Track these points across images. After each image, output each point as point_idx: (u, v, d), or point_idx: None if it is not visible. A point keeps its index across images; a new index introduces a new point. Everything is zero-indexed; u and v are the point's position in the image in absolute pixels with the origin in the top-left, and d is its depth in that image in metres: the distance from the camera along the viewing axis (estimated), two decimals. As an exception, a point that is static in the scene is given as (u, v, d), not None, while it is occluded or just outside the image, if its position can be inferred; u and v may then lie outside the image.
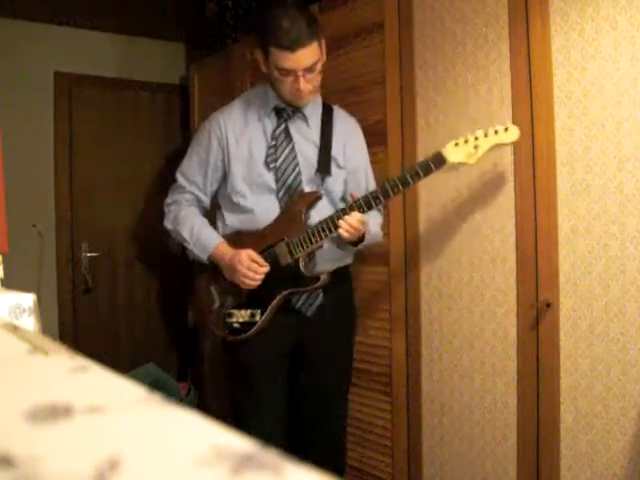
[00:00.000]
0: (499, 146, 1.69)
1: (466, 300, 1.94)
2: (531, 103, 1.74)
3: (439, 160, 1.67)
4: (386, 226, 2.11)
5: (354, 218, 1.69)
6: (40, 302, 0.94)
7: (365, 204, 1.70)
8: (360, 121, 2.06)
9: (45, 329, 1.01)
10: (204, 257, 1.88)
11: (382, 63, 2.18)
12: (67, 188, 3.48)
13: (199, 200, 1.96)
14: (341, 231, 1.70)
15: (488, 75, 1.86)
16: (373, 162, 2.04)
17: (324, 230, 1.73)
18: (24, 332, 0.62)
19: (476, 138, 1.66)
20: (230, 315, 1.84)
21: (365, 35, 2.24)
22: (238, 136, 1.87)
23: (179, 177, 1.98)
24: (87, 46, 3.49)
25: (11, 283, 1.07)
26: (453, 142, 1.67)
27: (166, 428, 0.33)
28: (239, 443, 0.30)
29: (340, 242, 1.84)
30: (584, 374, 1.64)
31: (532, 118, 1.74)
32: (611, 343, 1.58)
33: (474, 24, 1.89)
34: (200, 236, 1.88)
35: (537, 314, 1.74)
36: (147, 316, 3.70)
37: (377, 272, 2.23)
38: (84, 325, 3.52)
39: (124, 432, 0.32)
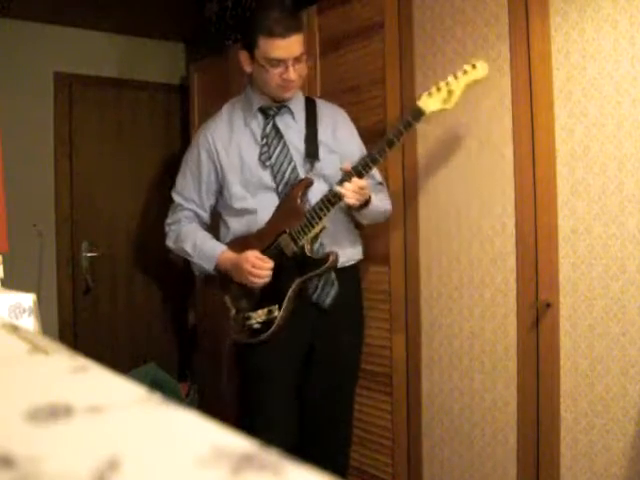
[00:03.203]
0: (473, 84, 1.70)
1: (466, 300, 1.94)
2: (531, 103, 1.74)
3: (416, 113, 1.70)
4: (386, 226, 2.12)
5: (354, 183, 1.70)
6: (40, 302, 0.94)
7: (356, 173, 1.71)
8: (360, 121, 2.06)
9: (45, 329, 1.00)
10: (210, 267, 1.89)
11: (382, 63, 2.18)
12: (67, 188, 3.48)
13: (198, 216, 1.99)
14: (347, 199, 1.70)
15: (488, 75, 1.85)
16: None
17: (322, 209, 1.75)
18: (24, 332, 0.62)
19: (447, 83, 1.69)
20: (248, 318, 1.84)
21: (365, 35, 2.24)
22: (227, 146, 1.90)
23: (175, 196, 2.01)
24: (87, 46, 3.50)
25: (11, 283, 1.07)
26: (426, 93, 1.71)
27: (166, 428, 0.33)
28: (239, 443, 0.30)
29: (347, 212, 1.85)
30: (584, 374, 1.64)
31: (532, 118, 1.74)
32: (611, 343, 1.58)
33: (474, 24, 1.89)
34: (203, 248, 1.90)
35: (537, 314, 1.74)
36: (147, 316, 3.70)
37: (377, 272, 2.23)
38: (84, 325, 3.52)
39: (124, 432, 0.32)
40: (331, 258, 1.78)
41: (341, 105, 2.06)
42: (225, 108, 1.99)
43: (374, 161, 1.72)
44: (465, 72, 1.68)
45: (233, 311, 1.90)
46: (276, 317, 1.82)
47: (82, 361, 0.46)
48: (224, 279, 1.89)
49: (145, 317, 3.69)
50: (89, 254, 3.53)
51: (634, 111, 1.53)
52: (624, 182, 1.55)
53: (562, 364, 1.69)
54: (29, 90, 3.33)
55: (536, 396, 1.75)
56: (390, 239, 2.15)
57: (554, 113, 1.69)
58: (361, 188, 1.71)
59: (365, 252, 2.09)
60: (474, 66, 1.68)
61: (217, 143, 1.90)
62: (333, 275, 1.87)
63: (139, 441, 0.30)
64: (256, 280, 1.79)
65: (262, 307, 1.83)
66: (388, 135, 1.72)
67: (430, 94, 1.69)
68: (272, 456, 0.28)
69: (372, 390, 2.26)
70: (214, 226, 2.05)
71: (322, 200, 1.75)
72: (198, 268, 1.95)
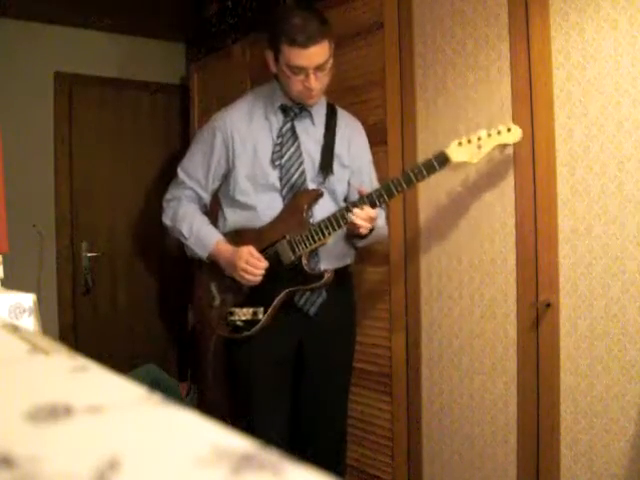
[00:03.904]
0: (502, 146, 1.71)
1: (466, 300, 1.94)
2: (531, 103, 1.74)
3: (443, 159, 1.69)
4: (387, 225, 2.12)
5: (366, 212, 1.70)
6: (40, 302, 0.94)
7: (370, 203, 1.71)
8: (360, 121, 2.06)
9: (45, 329, 1.00)
10: (204, 255, 1.87)
11: (382, 63, 2.18)
12: (67, 188, 3.48)
13: (199, 197, 1.95)
14: (360, 230, 1.70)
15: (488, 75, 1.86)
16: (373, 162, 2.04)
17: (327, 227, 1.73)
18: (24, 332, 0.62)
19: (479, 138, 1.68)
20: (232, 313, 1.82)
21: (365, 35, 2.24)
22: (243, 134, 1.87)
23: (180, 172, 1.96)
24: (87, 46, 3.50)
25: (11, 283, 1.07)
26: (457, 142, 1.69)
27: (166, 428, 0.33)
28: (239, 443, 0.30)
29: (347, 236, 1.85)
30: (584, 374, 1.64)
31: (532, 118, 1.74)
32: (611, 343, 1.58)
33: (474, 24, 1.89)
34: (200, 233, 1.87)
35: (537, 314, 1.74)
36: (147, 316, 3.70)
37: (377, 272, 2.23)
38: (84, 325, 3.52)
39: (124, 432, 0.32)
40: (326, 276, 1.78)
41: (341, 105, 2.06)
42: (247, 96, 1.96)
43: (389, 194, 1.71)
44: (499, 133, 1.68)
45: (217, 301, 1.88)
46: (260, 320, 1.80)
47: (82, 361, 0.46)
48: (216, 267, 1.87)
49: (145, 317, 3.69)
50: (89, 254, 3.53)
51: (634, 111, 1.53)
52: (624, 182, 1.55)
53: (562, 364, 1.69)
54: (29, 90, 3.33)
55: (536, 396, 1.75)
56: (390, 239, 2.15)
57: (554, 113, 1.69)
58: (371, 218, 1.71)
59: (365, 252, 2.09)
60: (509, 130, 1.68)
61: (234, 129, 1.87)
62: None
63: (139, 441, 0.30)
64: (248, 277, 1.77)
65: (247, 306, 1.81)
66: (408, 172, 1.70)
67: (460, 144, 1.69)
68: (272, 456, 0.28)
69: (372, 390, 2.26)
70: (212, 212, 2.01)
71: (329, 219, 1.74)
72: (191, 252, 1.91)
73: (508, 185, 1.82)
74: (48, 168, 3.43)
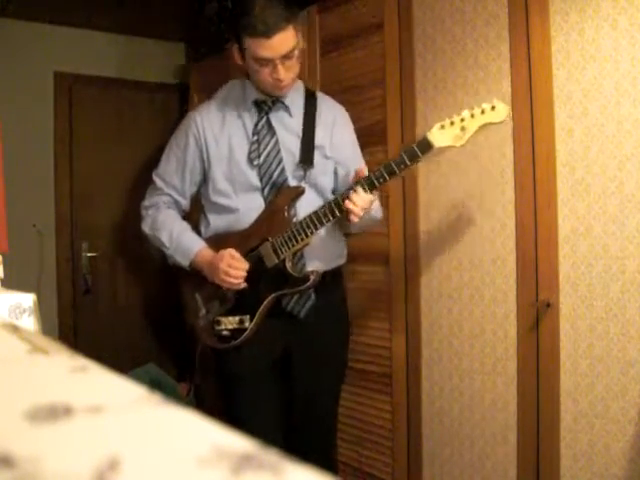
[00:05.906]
0: (488, 126, 1.58)
1: (466, 300, 1.94)
2: (531, 103, 1.74)
3: (425, 146, 1.57)
4: (386, 226, 2.11)
5: (362, 199, 1.59)
6: (40, 302, 0.94)
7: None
8: (360, 121, 2.06)
9: (45, 329, 1.00)
10: (185, 263, 1.80)
11: (382, 63, 2.18)
12: (67, 188, 3.48)
13: (177, 203, 1.89)
14: (352, 217, 1.60)
15: (488, 75, 1.86)
16: (373, 162, 2.03)
17: (309, 227, 1.66)
18: (24, 332, 0.62)
19: (462, 119, 1.55)
20: (218, 323, 1.76)
21: (365, 35, 2.24)
22: (217, 134, 1.80)
23: (156, 179, 1.89)
24: (87, 46, 3.50)
25: (11, 283, 1.07)
26: (439, 125, 1.57)
27: (166, 428, 0.33)
28: (239, 443, 0.30)
29: (340, 225, 1.78)
30: (584, 374, 1.64)
31: (532, 118, 1.74)
32: (611, 343, 1.58)
33: (474, 24, 1.89)
34: (180, 241, 1.80)
35: (537, 314, 1.74)
36: (147, 316, 3.70)
37: (377, 272, 2.23)
38: (84, 325, 3.52)
39: (124, 432, 0.32)
40: (312, 278, 1.70)
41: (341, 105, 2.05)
42: (218, 94, 1.88)
43: (371, 187, 1.61)
44: (483, 112, 1.54)
45: (203, 311, 1.81)
46: (246, 328, 1.74)
47: (82, 361, 0.46)
48: (199, 275, 1.80)
49: (145, 317, 3.69)
50: (89, 254, 3.53)
51: (634, 111, 1.53)
52: (624, 182, 1.55)
53: (562, 364, 1.69)
54: (29, 90, 3.33)
55: (536, 396, 1.75)
56: (390, 239, 2.15)
57: (554, 113, 1.69)
58: (365, 209, 1.61)
59: (365, 252, 2.09)
60: (493, 107, 1.54)
61: (207, 131, 1.80)
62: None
63: (139, 441, 0.30)
64: (230, 280, 1.70)
65: (234, 314, 1.75)
66: (390, 163, 1.60)
67: (443, 127, 1.56)
68: (272, 456, 0.28)
69: (372, 390, 2.26)
70: (194, 216, 1.97)
71: (311, 217, 1.66)
72: (173, 260, 1.84)
73: (508, 185, 1.81)
74: (48, 168, 3.43)
